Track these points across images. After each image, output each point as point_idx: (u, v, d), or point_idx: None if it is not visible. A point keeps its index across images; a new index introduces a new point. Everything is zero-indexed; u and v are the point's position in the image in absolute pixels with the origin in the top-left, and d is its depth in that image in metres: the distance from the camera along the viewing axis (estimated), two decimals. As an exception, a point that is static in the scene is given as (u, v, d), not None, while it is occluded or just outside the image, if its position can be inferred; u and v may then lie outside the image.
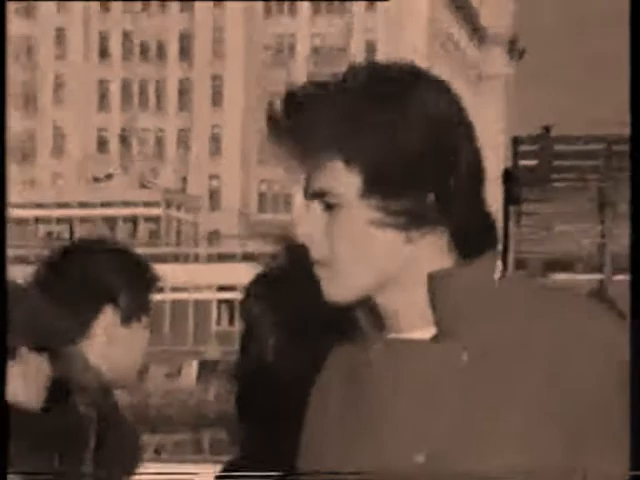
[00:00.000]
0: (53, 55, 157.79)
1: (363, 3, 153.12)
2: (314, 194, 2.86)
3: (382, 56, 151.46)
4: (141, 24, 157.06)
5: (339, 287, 2.87)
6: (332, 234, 2.86)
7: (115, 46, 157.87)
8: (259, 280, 3.89)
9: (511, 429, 2.75)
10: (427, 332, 2.83)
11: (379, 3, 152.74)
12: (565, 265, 16.69)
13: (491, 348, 2.79)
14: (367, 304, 2.91)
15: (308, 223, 2.88)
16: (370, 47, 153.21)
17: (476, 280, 2.86)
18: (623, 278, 15.37)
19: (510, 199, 19.66)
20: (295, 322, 3.67)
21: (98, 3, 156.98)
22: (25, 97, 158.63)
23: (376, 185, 2.80)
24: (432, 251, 2.85)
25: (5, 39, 5.74)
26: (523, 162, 17.48)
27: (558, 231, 17.01)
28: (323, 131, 2.80)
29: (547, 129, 19.92)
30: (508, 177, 19.63)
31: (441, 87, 2.87)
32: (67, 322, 3.96)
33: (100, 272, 4.23)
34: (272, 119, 2.91)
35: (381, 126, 2.80)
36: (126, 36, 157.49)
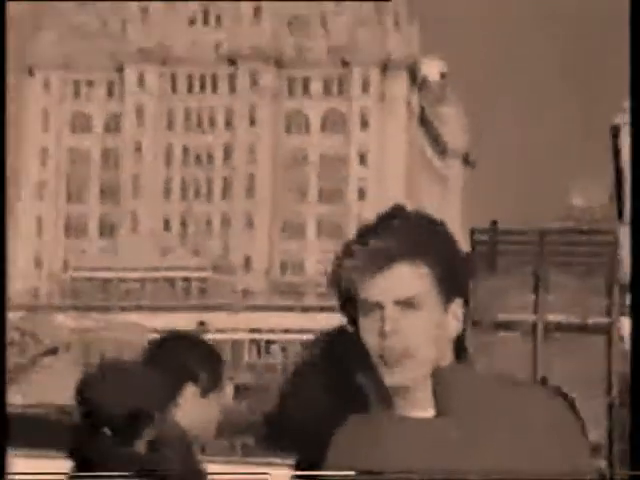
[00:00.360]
0: (132, 160, 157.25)
1: (357, 124, 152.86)
2: (398, 301, 2.79)
3: (372, 163, 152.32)
4: (195, 141, 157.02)
5: (408, 372, 2.80)
6: (409, 328, 2.80)
7: (176, 158, 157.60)
8: (315, 343, 3.78)
9: None
10: (426, 412, 2.82)
11: (371, 126, 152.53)
12: (508, 325, 16.30)
13: (473, 426, 2.81)
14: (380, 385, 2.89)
15: (393, 322, 2.78)
16: (363, 158, 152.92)
17: (468, 375, 2.88)
18: (558, 336, 15.21)
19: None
20: (326, 387, 3.63)
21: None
22: (110, 190, 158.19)
23: (444, 283, 2.83)
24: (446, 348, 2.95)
25: (5, 39, 5.56)
26: (478, 248, 17.31)
27: (502, 300, 16.66)
28: (402, 245, 2.82)
29: (495, 223, 19.73)
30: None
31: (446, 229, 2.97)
32: (160, 393, 4.06)
33: (185, 358, 4.33)
34: (359, 236, 2.89)
35: (440, 241, 2.89)
36: (185, 151, 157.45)
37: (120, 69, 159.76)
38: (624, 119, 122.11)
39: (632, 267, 4.61)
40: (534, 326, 15.51)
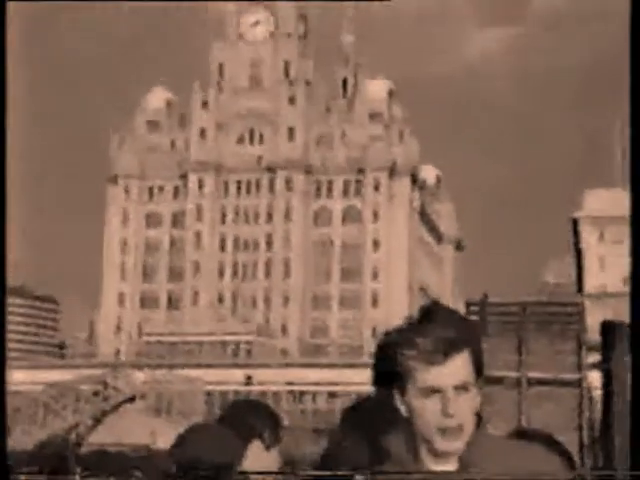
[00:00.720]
0: (193, 248, 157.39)
1: (370, 217, 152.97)
2: (457, 386, 2.84)
3: (383, 249, 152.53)
4: (243, 232, 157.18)
5: (459, 443, 2.85)
6: (464, 409, 2.84)
7: (228, 246, 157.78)
8: (350, 411, 3.94)
9: None
10: (450, 466, 2.87)
11: (381, 219, 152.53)
12: (496, 380, 15.72)
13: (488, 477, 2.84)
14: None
15: (454, 404, 2.82)
16: (375, 245, 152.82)
17: (484, 436, 2.91)
18: (538, 389, 14.74)
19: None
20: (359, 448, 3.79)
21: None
22: (175, 271, 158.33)
23: (477, 365, 2.89)
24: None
25: (5, 39, 4.96)
26: (471, 317, 16.80)
27: (491, 359, 16.10)
28: (459, 336, 2.88)
29: (486, 296, 19.25)
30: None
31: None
32: (236, 449, 4.07)
33: (253, 419, 4.30)
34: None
35: (473, 330, 2.98)
36: (235, 240, 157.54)
37: (184, 177, 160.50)
38: (581, 214, 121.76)
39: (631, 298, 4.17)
40: (518, 380, 14.88)
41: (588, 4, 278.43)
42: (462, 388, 2.82)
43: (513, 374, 15.66)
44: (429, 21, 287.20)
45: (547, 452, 3.04)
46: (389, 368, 2.92)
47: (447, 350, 2.81)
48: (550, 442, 4.66)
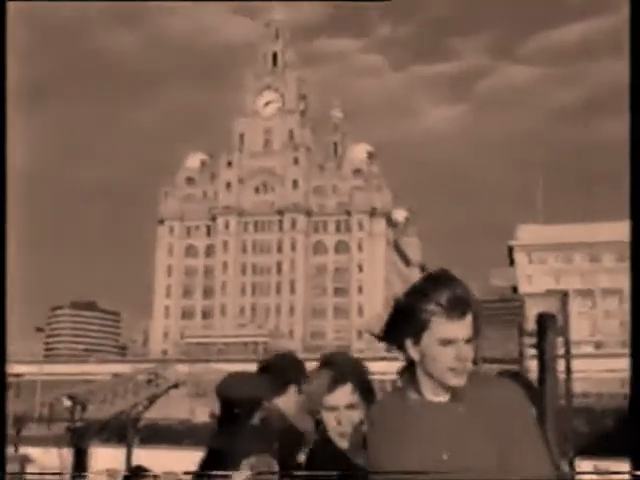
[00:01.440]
0: (221, 273, 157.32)
1: (356, 249, 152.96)
2: (466, 339, 2.86)
3: (365, 272, 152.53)
4: (260, 260, 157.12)
5: (462, 379, 2.88)
6: (470, 355, 2.89)
7: (248, 271, 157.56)
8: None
9: (483, 444, 2.84)
10: (443, 398, 2.89)
11: (364, 250, 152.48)
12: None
13: (473, 406, 2.85)
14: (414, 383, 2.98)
15: (466, 352, 2.87)
16: (360, 269, 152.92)
17: (472, 373, 2.91)
18: (490, 366, 14.82)
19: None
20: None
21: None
22: (208, 290, 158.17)
23: (476, 324, 2.95)
24: None
25: (5, 39, 4.24)
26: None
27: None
28: (470, 297, 2.92)
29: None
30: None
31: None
32: (267, 390, 4.05)
33: (290, 369, 4.28)
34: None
35: (471, 295, 2.95)
36: (254, 266, 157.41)
37: (214, 219, 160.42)
38: (514, 242, 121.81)
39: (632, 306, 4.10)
40: (474, 360, 14.78)
41: (516, 89, 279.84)
42: (469, 341, 2.85)
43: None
44: (398, 100, 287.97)
45: (515, 384, 3.00)
46: (406, 321, 2.92)
47: (464, 309, 2.83)
48: (517, 377, 4.78)
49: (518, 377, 4.80)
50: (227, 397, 4.02)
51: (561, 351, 15.73)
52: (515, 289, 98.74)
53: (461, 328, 2.83)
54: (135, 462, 24.75)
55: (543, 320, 15.24)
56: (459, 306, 2.82)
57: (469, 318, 2.85)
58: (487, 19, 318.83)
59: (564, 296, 16.46)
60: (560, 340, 15.55)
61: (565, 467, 10.21)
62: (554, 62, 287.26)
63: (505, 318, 15.48)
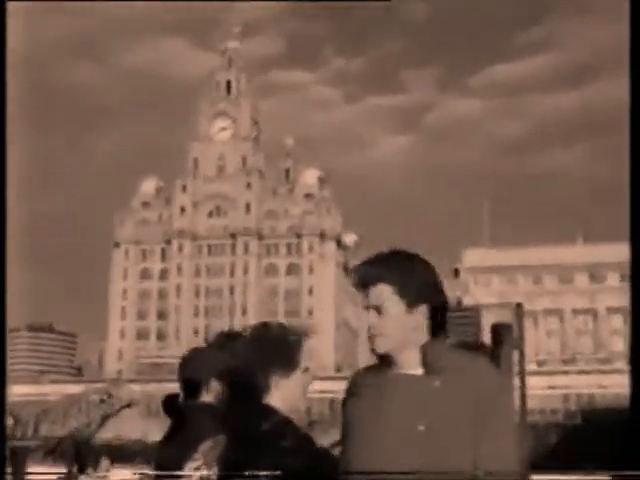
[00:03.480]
0: (175, 296, 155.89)
1: (307, 271, 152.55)
2: (372, 306, 2.95)
3: (316, 294, 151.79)
4: (213, 283, 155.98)
5: (382, 346, 2.89)
6: (382, 324, 2.92)
7: (201, 294, 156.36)
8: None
9: (458, 417, 2.80)
10: (418, 371, 2.86)
11: (314, 272, 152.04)
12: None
13: (447, 379, 2.80)
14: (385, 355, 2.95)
15: (371, 319, 2.94)
16: (310, 291, 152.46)
17: (441, 347, 2.90)
18: None
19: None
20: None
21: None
22: (162, 313, 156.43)
23: (405, 297, 2.93)
24: (420, 332, 2.90)
25: (5, 39, 4.15)
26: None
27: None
28: (379, 273, 2.97)
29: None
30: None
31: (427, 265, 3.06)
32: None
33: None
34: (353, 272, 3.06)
35: (403, 270, 2.98)
36: (207, 289, 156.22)
37: (168, 242, 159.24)
38: (462, 266, 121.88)
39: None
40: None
41: (463, 122, 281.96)
42: (377, 309, 2.91)
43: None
44: (349, 128, 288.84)
45: (493, 366, 3.01)
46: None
47: (367, 281, 2.96)
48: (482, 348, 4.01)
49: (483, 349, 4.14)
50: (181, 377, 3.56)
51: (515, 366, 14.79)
52: (459, 303, 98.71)
53: (369, 298, 2.95)
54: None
55: (499, 330, 14.28)
56: (362, 279, 2.96)
57: (377, 289, 2.93)
58: (436, 53, 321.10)
59: (519, 308, 15.48)
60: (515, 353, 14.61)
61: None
62: (500, 95, 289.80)
63: (459, 329, 14.59)
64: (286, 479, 2.89)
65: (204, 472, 3.21)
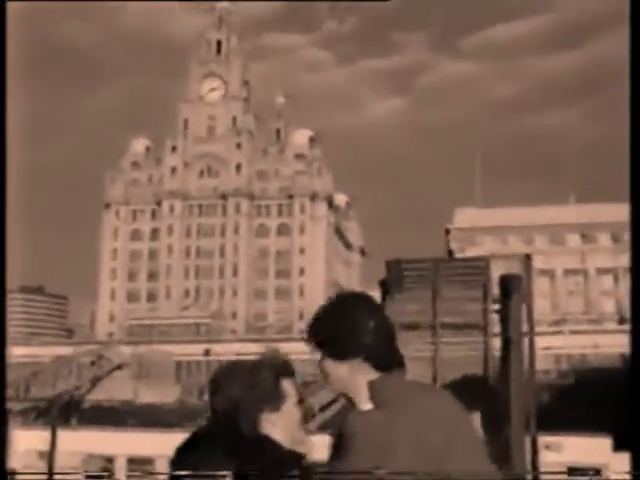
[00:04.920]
0: (166, 256, 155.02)
1: (297, 231, 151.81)
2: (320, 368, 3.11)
3: (307, 255, 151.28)
4: (203, 244, 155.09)
5: (335, 390, 3.05)
6: (324, 374, 3.10)
7: (192, 254, 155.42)
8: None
9: (407, 449, 2.83)
10: (368, 405, 2.98)
11: (306, 233, 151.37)
12: (413, 326, 13.58)
13: (395, 412, 2.88)
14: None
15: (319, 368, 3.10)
16: (301, 251, 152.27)
17: (388, 382, 2.98)
18: (450, 331, 12.97)
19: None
20: None
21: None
22: (153, 274, 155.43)
23: (332, 355, 3.06)
24: (362, 375, 3.01)
25: (5, 39, 3.94)
26: (390, 274, 14.79)
27: (408, 308, 13.97)
28: (310, 333, 3.15)
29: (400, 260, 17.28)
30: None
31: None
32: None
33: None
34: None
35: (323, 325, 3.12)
36: (197, 249, 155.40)
37: (159, 203, 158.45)
38: (453, 226, 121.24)
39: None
40: (432, 325, 12.51)
41: (457, 84, 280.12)
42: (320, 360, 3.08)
43: (428, 320, 13.46)
44: (341, 91, 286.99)
45: (447, 394, 2.99)
46: None
47: (307, 340, 3.09)
48: (480, 381, 4.72)
49: (482, 381, 5.02)
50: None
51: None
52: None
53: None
54: (64, 443, 22.53)
55: (507, 282, 13.28)
56: (305, 335, 3.10)
57: (312, 345, 3.10)
58: (430, 15, 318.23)
59: (527, 259, 14.54)
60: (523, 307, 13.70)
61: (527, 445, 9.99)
62: (492, 57, 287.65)
63: (469, 278, 13.54)
64: None
65: None
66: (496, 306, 13.47)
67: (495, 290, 13.50)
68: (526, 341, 13.89)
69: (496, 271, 13.99)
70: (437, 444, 2.76)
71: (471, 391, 4.02)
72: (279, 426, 3.06)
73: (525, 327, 13.59)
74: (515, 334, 13.01)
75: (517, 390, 11.65)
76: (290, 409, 3.12)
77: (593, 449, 21.48)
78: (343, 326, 3.00)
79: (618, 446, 20.68)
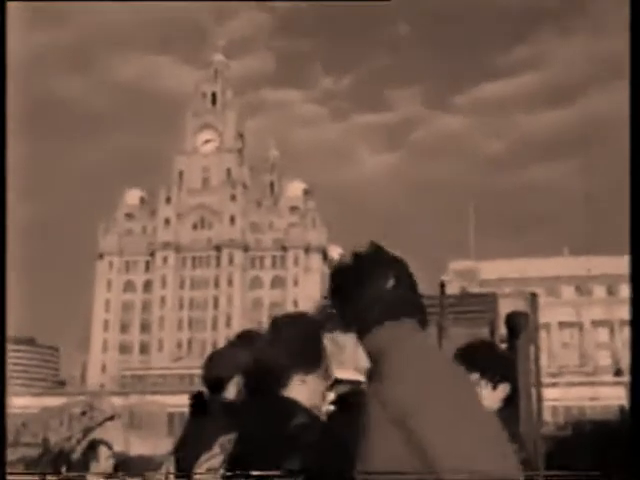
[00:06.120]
0: (159, 308, 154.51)
1: (291, 284, 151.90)
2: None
3: (300, 309, 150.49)
4: (197, 295, 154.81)
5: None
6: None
7: (185, 306, 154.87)
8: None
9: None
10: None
11: (299, 285, 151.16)
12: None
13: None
14: None
15: None
16: (295, 304, 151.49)
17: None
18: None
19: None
20: None
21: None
22: (146, 325, 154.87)
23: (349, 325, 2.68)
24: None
25: (5, 39, 3.93)
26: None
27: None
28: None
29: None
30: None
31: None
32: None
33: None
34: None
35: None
36: (191, 301, 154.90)
37: (152, 254, 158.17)
38: (448, 278, 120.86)
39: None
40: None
41: (446, 141, 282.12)
42: None
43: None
44: (335, 145, 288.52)
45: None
46: None
47: None
48: (490, 346, 4.04)
49: (492, 347, 4.23)
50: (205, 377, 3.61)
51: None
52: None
53: None
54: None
55: (515, 320, 12.98)
56: None
57: None
58: (422, 72, 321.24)
59: (534, 297, 14.26)
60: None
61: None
62: (484, 113, 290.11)
63: (475, 315, 13.23)
64: (302, 477, 2.57)
65: (216, 465, 2.83)
66: (503, 345, 13.17)
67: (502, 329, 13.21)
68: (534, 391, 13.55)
69: (505, 307, 13.68)
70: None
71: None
72: (305, 389, 2.82)
73: (533, 367, 13.25)
74: (524, 371, 12.67)
75: (526, 426, 11.22)
76: (320, 376, 2.89)
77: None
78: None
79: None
